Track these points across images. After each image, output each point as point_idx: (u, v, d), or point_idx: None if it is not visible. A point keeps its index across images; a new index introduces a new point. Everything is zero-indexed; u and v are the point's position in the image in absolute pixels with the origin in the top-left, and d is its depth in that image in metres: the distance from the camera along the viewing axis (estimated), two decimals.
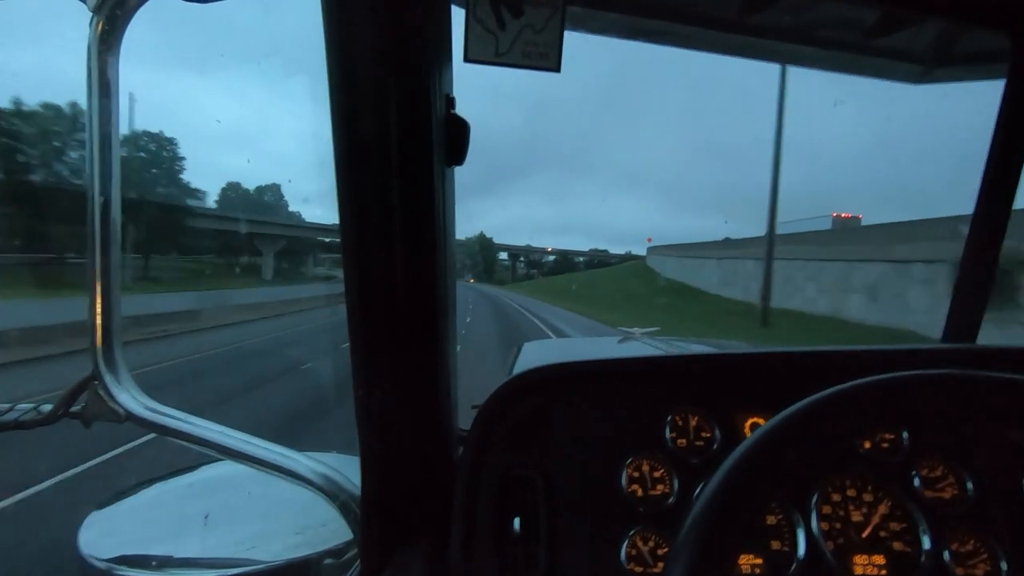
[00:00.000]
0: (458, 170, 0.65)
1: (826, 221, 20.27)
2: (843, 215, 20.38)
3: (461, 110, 0.62)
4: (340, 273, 0.57)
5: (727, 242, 24.29)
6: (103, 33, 0.63)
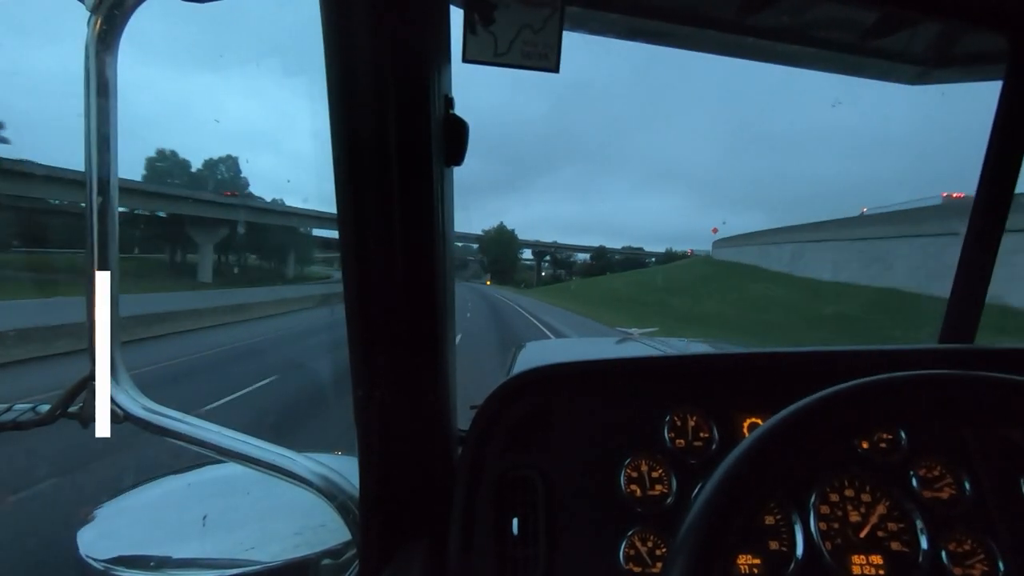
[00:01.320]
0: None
1: (935, 201, 17.96)
2: (954, 195, 16.94)
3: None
4: (337, 274, 0.57)
5: None
6: (101, 32, 0.63)
